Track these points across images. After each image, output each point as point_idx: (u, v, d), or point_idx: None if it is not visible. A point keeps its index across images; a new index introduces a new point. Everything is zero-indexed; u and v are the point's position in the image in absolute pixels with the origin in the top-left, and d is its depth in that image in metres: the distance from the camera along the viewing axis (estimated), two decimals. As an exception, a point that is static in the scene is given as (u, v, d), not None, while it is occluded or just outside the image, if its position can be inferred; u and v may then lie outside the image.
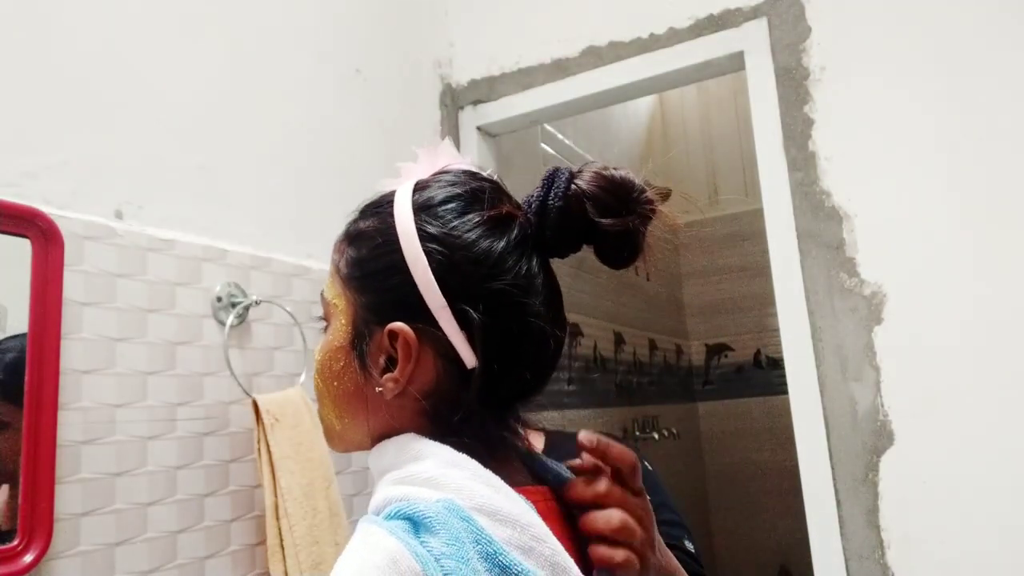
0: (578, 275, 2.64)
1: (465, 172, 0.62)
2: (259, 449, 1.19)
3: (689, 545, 0.93)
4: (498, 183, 0.63)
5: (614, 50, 1.81)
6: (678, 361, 3.58)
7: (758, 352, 3.59)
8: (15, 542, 0.90)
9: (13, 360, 0.94)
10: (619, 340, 2.92)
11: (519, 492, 0.52)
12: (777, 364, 3.38)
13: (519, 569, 0.45)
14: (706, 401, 3.69)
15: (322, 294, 0.64)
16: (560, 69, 1.87)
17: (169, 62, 1.23)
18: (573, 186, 0.57)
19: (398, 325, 0.55)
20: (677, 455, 3.25)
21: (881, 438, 1.43)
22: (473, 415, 0.56)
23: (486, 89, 1.97)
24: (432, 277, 0.55)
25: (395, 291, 0.56)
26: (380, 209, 0.61)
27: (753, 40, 1.65)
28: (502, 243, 0.56)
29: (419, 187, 0.60)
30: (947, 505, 1.38)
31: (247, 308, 1.25)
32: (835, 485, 1.46)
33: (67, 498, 0.97)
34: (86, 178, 1.07)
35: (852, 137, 1.53)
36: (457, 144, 1.94)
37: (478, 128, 1.97)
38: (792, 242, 1.55)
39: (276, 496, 1.18)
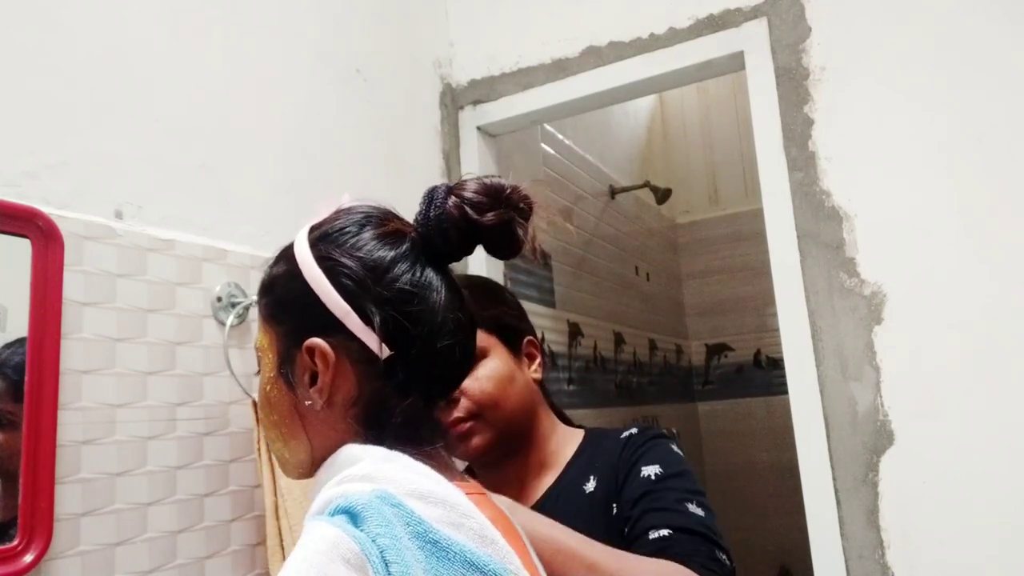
0: (578, 275, 2.64)
1: (356, 205, 0.69)
2: (259, 449, 1.19)
3: (694, 508, 0.87)
4: (388, 209, 0.69)
5: (614, 50, 1.81)
6: (678, 361, 3.58)
7: (758, 352, 3.58)
8: (15, 542, 0.90)
9: (20, 363, 0.94)
10: (619, 340, 2.92)
11: (456, 486, 0.57)
12: (777, 364, 3.38)
13: (449, 543, 0.51)
14: (706, 401, 3.69)
15: (255, 346, 0.70)
16: (560, 69, 1.87)
17: (169, 62, 1.23)
18: (452, 196, 0.64)
19: (313, 340, 0.61)
20: (677, 455, 3.24)
21: (881, 438, 1.43)
22: (402, 416, 0.61)
23: (486, 89, 1.97)
24: (332, 288, 0.61)
25: (306, 313, 0.63)
26: (283, 254, 0.69)
27: (753, 40, 1.65)
28: (392, 253, 0.63)
29: (315, 227, 0.67)
30: (947, 505, 1.38)
31: (247, 308, 1.25)
32: (835, 485, 1.45)
33: (67, 498, 0.97)
34: (86, 178, 1.07)
35: (852, 137, 1.53)
36: (457, 144, 1.97)
37: (478, 128, 1.97)
38: (792, 242, 1.55)
39: (276, 496, 1.18)
